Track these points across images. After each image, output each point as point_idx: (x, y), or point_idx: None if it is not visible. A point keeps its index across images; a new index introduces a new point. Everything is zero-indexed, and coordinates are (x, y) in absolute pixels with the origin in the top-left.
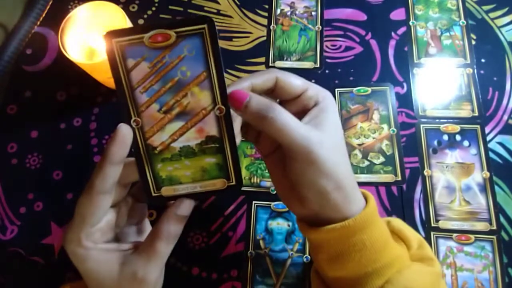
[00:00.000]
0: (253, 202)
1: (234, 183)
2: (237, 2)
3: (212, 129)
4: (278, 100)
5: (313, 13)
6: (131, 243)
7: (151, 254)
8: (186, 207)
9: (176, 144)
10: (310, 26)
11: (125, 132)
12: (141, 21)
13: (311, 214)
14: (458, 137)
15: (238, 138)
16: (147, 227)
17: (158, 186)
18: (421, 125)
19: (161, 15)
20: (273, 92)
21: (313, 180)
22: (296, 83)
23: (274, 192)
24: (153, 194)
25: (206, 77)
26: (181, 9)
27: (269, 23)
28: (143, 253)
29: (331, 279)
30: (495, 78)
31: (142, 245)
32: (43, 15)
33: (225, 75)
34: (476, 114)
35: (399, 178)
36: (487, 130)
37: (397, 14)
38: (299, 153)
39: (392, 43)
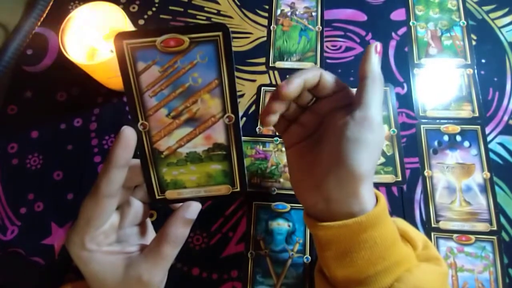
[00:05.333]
0: (253, 202)
1: (238, 189)
2: (237, 2)
3: (220, 137)
4: (313, 98)
5: (314, 14)
6: (136, 245)
7: (157, 257)
8: (194, 210)
9: (183, 150)
10: (310, 26)
11: (128, 135)
12: (141, 22)
13: (323, 206)
14: (458, 138)
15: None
16: (149, 227)
17: (162, 189)
18: (422, 126)
19: (161, 16)
20: (316, 88)
21: (355, 138)
22: (336, 81)
23: (275, 193)
24: (157, 197)
25: (218, 85)
26: (181, 9)
27: (269, 23)
28: (149, 256)
29: (337, 278)
30: (495, 79)
31: (148, 248)
32: (44, 15)
33: None
34: (477, 114)
35: (400, 179)
36: (487, 130)
37: (398, 15)
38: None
39: (393, 43)
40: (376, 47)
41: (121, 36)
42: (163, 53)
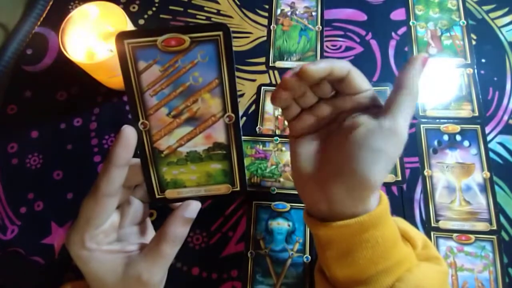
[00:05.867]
0: (253, 202)
1: (238, 188)
2: (237, 2)
3: (220, 136)
4: (333, 92)
5: (314, 13)
6: (135, 244)
7: (156, 256)
8: (193, 209)
9: (183, 149)
10: (310, 26)
11: (129, 134)
12: (141, 22)
13: (325, 206)
14: (458, 137)
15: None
16: (149, 227)
17: (162, 188)
18: (421, 125)
19: (161, 15)
20: (340, 83)
21: (379, 148)
22: (364, 82)
23: (275, 192)
24: (157, 196)
25: (218, 84)
26: (181, 9)
27: (269, 23)
28: (148, 256)
29: (338, 277)
30: (495, 78)
31: (147, 247)
32: (44, 15)
33: None
34: (477, 114)
35: (399, 178)
36: (487, 130)
37: (397, 14)
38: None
39: (393, 43)
40: (424, 59)
41: (122, 35)
42: (164, 52)
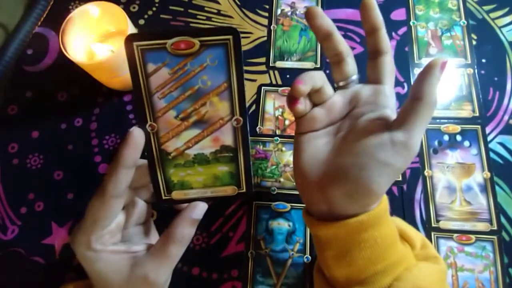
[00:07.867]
0: (254, 202)
1: (244, 190)
2: (238, 2)
3: (228, 139)
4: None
5: None
6: (140, 244)
7: (163, 257)
8: (200, 211)
9: (191, 151)
10: None
11: (137, 136)
12: (141, 22)
13: (324, 206)
14: (458, 137)
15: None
16: (152, 227)
17: (169, 190)
18: None
19: (161, 15)
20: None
21: (388, 163)
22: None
23: (275, 192)
24: (164, 197)
25: (227, 88)
26: (182, 9)
27: (270, 23)
28: (155, 256)
29: (337, 277)
30: (495, 78)
31: (154, 247)
32: (44, 15)
33: None
34: (477, 114)
35: (400, 178)
36: (487, 130)
37: (398, 14)
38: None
39: (393, 43)
40: (442, 64)
41: (132, 37)
42: (173, 55)
